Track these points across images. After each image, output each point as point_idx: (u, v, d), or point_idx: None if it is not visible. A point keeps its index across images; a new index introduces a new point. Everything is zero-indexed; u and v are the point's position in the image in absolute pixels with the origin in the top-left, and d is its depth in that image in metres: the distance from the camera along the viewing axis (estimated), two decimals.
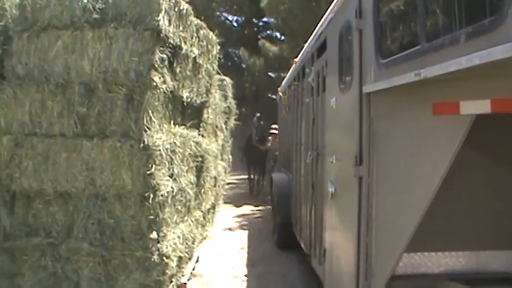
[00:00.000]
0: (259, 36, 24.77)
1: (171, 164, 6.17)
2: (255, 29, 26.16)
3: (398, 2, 3.47)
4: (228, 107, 13.51)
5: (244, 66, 23.58)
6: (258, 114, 16.98)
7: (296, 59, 8.60)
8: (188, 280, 6.97)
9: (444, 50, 2.56)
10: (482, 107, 2.85)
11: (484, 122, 2.98)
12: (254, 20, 25.78)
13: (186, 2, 6.65)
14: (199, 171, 8.02)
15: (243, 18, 26.22)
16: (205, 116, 9.10)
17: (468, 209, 4.07)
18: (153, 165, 5.61)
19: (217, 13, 25.43)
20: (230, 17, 26.99)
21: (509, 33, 2.03)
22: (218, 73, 9.48)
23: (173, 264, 6.03)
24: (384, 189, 3.74)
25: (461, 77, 2.74)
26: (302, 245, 7.50)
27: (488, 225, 4.13)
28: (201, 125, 8.69)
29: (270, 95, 22.72)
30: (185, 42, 6.68)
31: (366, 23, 3.87)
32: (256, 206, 15.34)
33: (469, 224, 4.11)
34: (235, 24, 26.89)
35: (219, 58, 9.16)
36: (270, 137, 16.00)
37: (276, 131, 14.77)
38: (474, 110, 2.88)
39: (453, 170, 3.14)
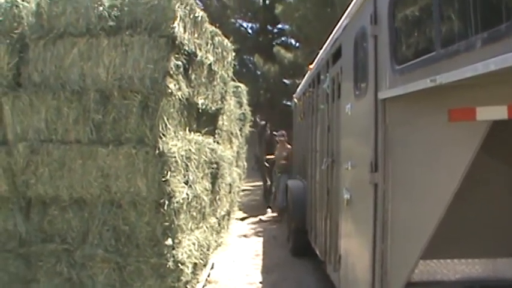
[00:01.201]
0: (274, 43, 24.69)
1: (186, 171, 6.18)
2: (270, 36, 26.11)
3: (413, 8, 3.46)
4: (243, 113, 13.49)
5: (259, 73, 23.51)
6: (263, 123, 16.01)
7: (311, 66, 8.59)
8: (203, 287, 6.98)
9: (460, 56, 2.55)
10: (499, 113, 2.84)
11: (501, 127, 2.97)
12: (269, 26, 25.73)
13: (201, 9, 6.66)
14: (215, 178, 8.03)
15: (258, 25, 26.18)
16: (220, 122, 9.11)
17: (485, 215, 4.04)
18: (168, 172, 5.62)
19: (232, 20, 25.41)
20: (245, 24, 26.97)
21: None
22: (233, 80, 9.50)
23: (188, 270, 6.04)
24: (399, 195, 3.72)
25: (477, 83, 2.72)
26: (317, 252, 7.48)
27: (506, 232, 4.10)
28: (216, 131, 8.71)
29: (285, 102, 22.66)
30: (200, 49, 6.70)
31: (381, 29, 3.86)
32: (272, 213, 15.03)
33: (485, 231, 4.08)
34: (250, 31, 26.87)
35: (234, 65, 9.17)
36: (278, 144, 14.08)
37: (282, 138, 13.67)
38: (490, 116, 2.87)
39: (470, 176, 3.12)
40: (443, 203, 3.19)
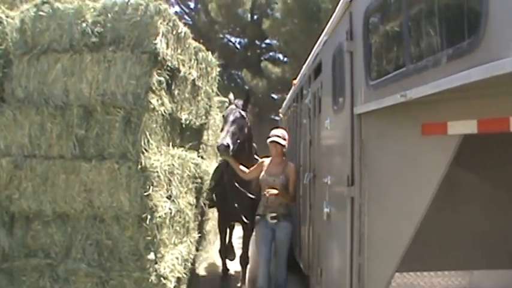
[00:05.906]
0: (262, 58, 24.89)
1: (169, 186, 6.18)
2: (258, 51, 26.28)
3: (386, 25, 3.52)
4: None
5: (247, 87, 23.63)
6: (233, 99, 8.09)
7: (295, 81, 8.64)
8: None
9: (427, 71, 2.61)
10: (469, 127, 2.89)
11: (476, 141, 3.02)
12: (257, 41, 25.91)
13: (189, 25, 6.70)
14: (199, 192, 8.03)
15: (246, 40, 26.37)
16: (205, 137, 9.11)
17: (461, 228, 4.09)
18: (151, 187, 5.62)
19: (221, 35, 25.61)
20: (233, 39, 27.16)
21: (485, 55, 2.07)
22: (218, 95, 9.51)
23: (171, 285, 6.02)
24: (375, 209, 3.77)
25: (449, 98, 2.78)
26: (301, 266, 7.50)
27: (482, 245, 4.15)
28: (200, 146, 8.71)
29: (272, 117, 22.74)
30: (183, 65, 6.72)
31: (356, 45, 3.93)
32: None
33: (462, 244, 4.12)
34: (238, 46, 27.06)
35: (220, 80, 9.17)
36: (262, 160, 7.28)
37: (282, 141, 6.71)
38: (461, 130, 2.92)
39: (445, 189, 3.17)
40: (417, 216, 3.23)
